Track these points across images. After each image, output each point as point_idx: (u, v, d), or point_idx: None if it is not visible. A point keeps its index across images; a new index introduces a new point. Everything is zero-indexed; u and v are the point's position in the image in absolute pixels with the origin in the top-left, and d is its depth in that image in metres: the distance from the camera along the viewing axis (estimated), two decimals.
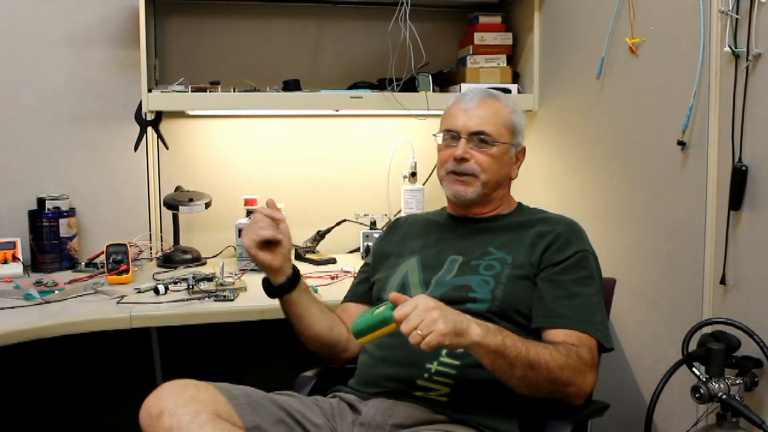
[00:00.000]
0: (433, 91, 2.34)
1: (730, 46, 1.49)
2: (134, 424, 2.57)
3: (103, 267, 2.11)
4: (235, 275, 2.06)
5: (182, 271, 2.17)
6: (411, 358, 1.44)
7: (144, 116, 2.32)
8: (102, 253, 2.11)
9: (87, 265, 2.26)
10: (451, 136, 1.62)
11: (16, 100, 2.32)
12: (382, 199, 2.52)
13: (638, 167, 1.85)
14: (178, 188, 2.39)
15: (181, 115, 2.43)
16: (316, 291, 1.93)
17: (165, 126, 2.43)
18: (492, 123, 1.61)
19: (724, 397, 1.42)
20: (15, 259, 2.19)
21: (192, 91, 2.17)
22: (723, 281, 1.55)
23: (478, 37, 2.40)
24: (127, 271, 2.03)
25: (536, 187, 2.38)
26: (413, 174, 2.46)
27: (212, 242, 2.45)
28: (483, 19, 2.43)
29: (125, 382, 2.43)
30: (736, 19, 1.48)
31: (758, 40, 1.44)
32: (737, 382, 1.45)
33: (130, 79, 2.32)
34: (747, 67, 1.47)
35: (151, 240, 2.39)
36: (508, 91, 2.35)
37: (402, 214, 1.88)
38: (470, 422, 1.40)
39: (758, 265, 1.47)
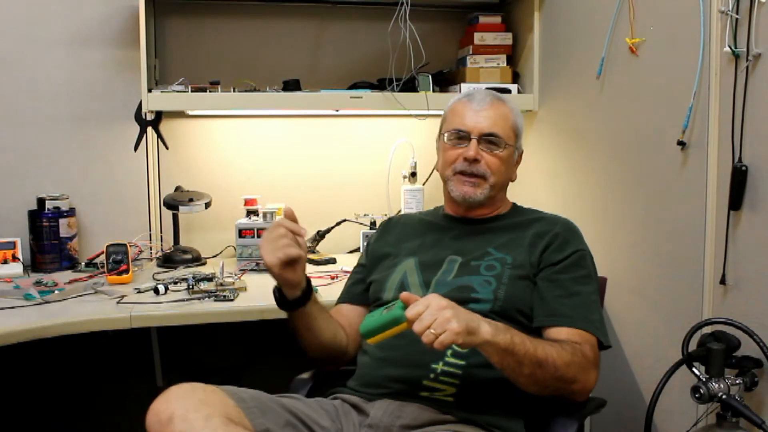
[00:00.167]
0: (433, 91, 2.34)
1: (730, 46, 1.49)
2: (134, 424, 2.56)
3: (103, 267, 2.11)
4: (235, 275, 2.06)
5: (182, 271, 2.17)
6: (416, 358, 1.44)
7: (144, 116, 2.32)
8: (102, 253, 2.11)
9: (87, 265, 2.26)
10: (461, 136, 1.62)
11: (16, 100, 2.32)
12: (382, 199, 2.52)
13: (638, 167, 1.85)
14: (178, 188, 2.40)
15: (181, 115, 2.43)
16: (316, 291, 1.93)
17: (165, 126, 2.43)
18: (501, 125, 1.62)
19: (724, 397, 1.42)
20: (15, 259, 2.19)
21: (192, 91, 2.18)
22: (723, 281, 1.55)
23: (478, 37, 2.40)
24: (127, 271, 2.04)
25: (536, 187, 2.38)
26: (413, 174, 2.46)
27: (212, 242, 2.45)
28: (483, 19, 2.43)
29: (125, 382, 2.44)
30: (736, 19, 1.48)
31: (758, 40, 1.44)
32: (737, 382, 1.44)
33: (130, 79, 2.32)
34: (747, 67, 1.47)
35: (151, 240, 2.40)
36: (508, 91, 2.35)
37: (394, 215, 1.86)
38: (478, 422, 1.41)
39: (758, 265, 1.47)
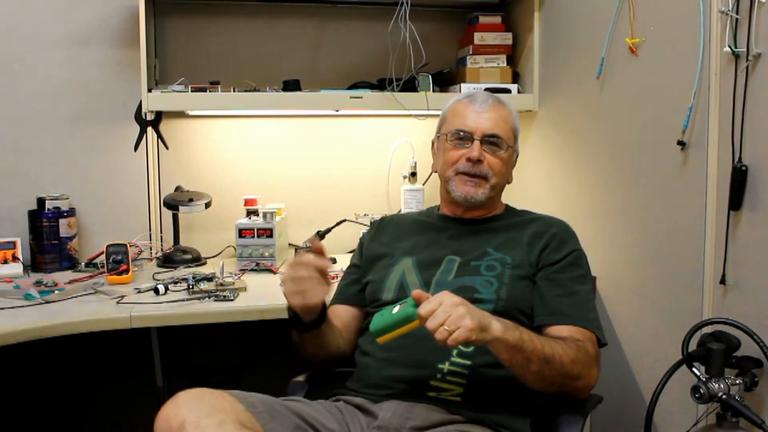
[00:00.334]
0: (433, 91, 2.34)
1: (730, 46, 1.49)
2: (134, 424, 2.57)
3: (103, 267, 2.11)
4: (235, 275, 2.06)
5: (182, 271, 2.17)
6: (422, 358, 1.44)
7: (144, 116, 2.32)
8: (102, 253, 2.11)
9: (87, 265, 2.26)
10: (464, 137, 1.63)
11: (16, 100, 2.32)
12: (382, 199, 2.52)
13: (638, 167, 1.85)
14: (178, 188, 2.40)
15: (181, 115, 2.43)
16: None
17: (165, 126, 2.43)
18: (502, 127, 1.64)
19: (724, 397, 1.42)
20: (15, 259, 2.19)
21: (192, 91, 2.18)
22: (723, 281, 1.55)
23: (478, 37, 2.40)
24: (127, 271, 2.04)
25: (536, 187, 2.38)
26: (413, 174, 2.46)
27: (212, 242, 2.45)
28: (483, 19, 2.43)
29: (125, 382, 2.44)
30: (736, 19, 1.48)
31: (758, 40, 1.44)
32: (737, 382, 1.44)
33: (130, 79, 2.32)
34: (747, 67, 1.47)
35: (151, 240, 2.40)
36: (508, 91, 2.35)
37: (387, 215, 1.86)
38: (486, 421, 1.41)
39: (758, 265, 1.47)
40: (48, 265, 2.24)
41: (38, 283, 2.02)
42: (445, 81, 2.49)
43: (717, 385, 1.43)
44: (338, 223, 2.45)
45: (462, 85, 2.34)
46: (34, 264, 2.26)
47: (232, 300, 1.85)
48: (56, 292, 1.92)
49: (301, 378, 1.63)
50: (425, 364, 1.45)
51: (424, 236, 1.67)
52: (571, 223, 1.73)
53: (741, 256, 1.52)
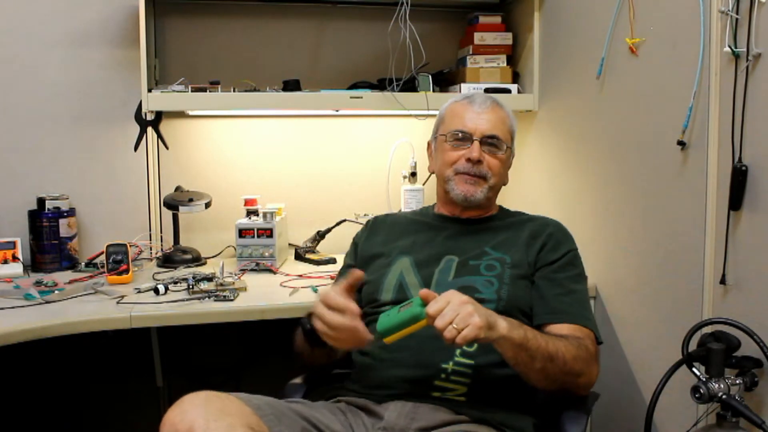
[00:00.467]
0: (433, 91, 2.34)
1: (730, 46, 1.49)
2: (134, 424, 2.58)
3: (103, 267, 2.11)
4: (235, 275, 2.06)
5: (182, 271, 2.17)
6: (426, 359, 1.45)
7: (144, 116, 2.32)
8: (102, 253, 2.11)
9: (87, 265, 2.26)
10: (463, 137, 1.63)
11: (16, 100, 2.32)
12: (382, 199, 2.52)
13: (638, 167, 1.85)
14: (178, 188, 2.40)
15: (181, 115, 2.43)
16: (315, 291, 1.93)
17: (165, 126, 2.43)
18: (501, 128, 1.66)
19: (724, 397, 1.42)
20: (15, 259, 2.19)
21: (192, 91, 2.17)
22: (723, 281, 1.55)
23: (478, 37, 2.40)
24: (127, 271, 2.03)
25: (536, 187, 2.38)
26: (413, 174, 2.46)
27: (212, 242, 2.45)
28: (483, 19, 2.43)
29: (125, 382, 2.44)
30: (736, 19, 1.48)
31: (758, 40, 1.44)
32: (737, 382, 1.44)
33: (130, 79, 2.32)
34: (747, 67, 1.47)
35: (151, 240, 2.40)
36: (508, 91, 2.35)
37: (380, 214, 1.85)
38: (491, 421, 1.41)
39: (758, 265, 1.47)
40: (48, 265, 2.24)
41: (38, 283, 2.02)
42: (445, 81, 2.49)
43: (717, 385, 1.43)
44: (338, 223, 2.45)
45: (462, 85, 2.34)
46: (34, 264, 2.26)
47: (232, 300, 1.85)
48: (56, 292, 1.92)
49: (298, 380, 1.62)
50: (429, 364, 1.45)
51: (421, 235, 1.68)
52: (571, 222, 1.74)
53: (741, 256, 1.52)
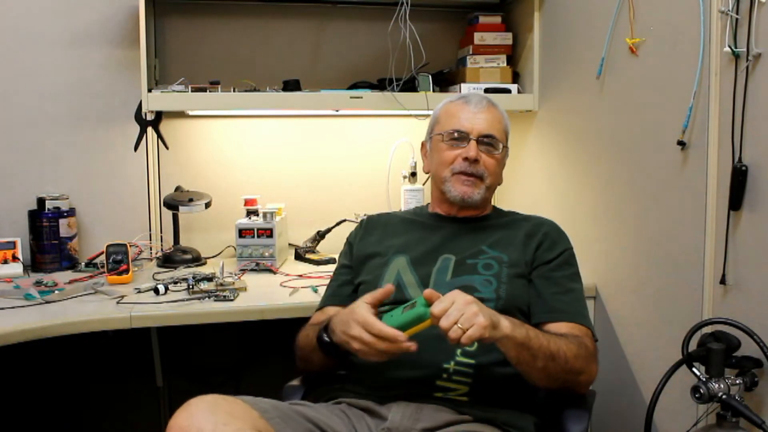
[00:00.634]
0: (433, 91, 2.34)
1: (730, 46, 1.49)
2: (134, 424, 2.58)
3: (103, 267, 2.11)
4: (235, 275, 2.06)
5: (182, 271, 2.17)
6: (427, 359, 1.44)
7: (144, 116, 2.32)
8: (102, 253, 2.11)
9: (87, 265, 2.26)
10: (460, 137, 1.63)
11: (16, 100, 2.32)
12: (382, 199, 2.52)
13: (638, 167, 1.85)
14: (178, 188, 2.40)
15: (181, 115, 2.43)
16: (315, 291, 1.93)
17: (165, 126, 2.43)
18: (497, 128, 1.67)
19: (724, 397, 1.42)
20: (15, 259, 2.19)
21: (192, 91, 2.17)
22: (723, 281, 1.55)
23: (478, 37, 2.40)
24: (127, 271, 2.04)
25: (536, 186, 2.38)
26: (413, 174, 2.46)
27: (212, 242, 2.45)
28: (483, 19, 2.43)
29: (125, 382, 2.44)
30: (736, 19, 1.48)
31: (758, 40, 1.44)
32: (737, 382, 1.44)
33: (130, 79, 2.33)
34: (747, 67, 1.47)
35: (151, 240, 2.40)
36: (508, 91, 2.35)
37: (373, 214, 1.85)
38: (494, 421, 1.42)
39: (758, 265, 1.47)
40: (48, 265, 2.24)
41: (38, 283, 2.02)
42: (445, 81, 2.49)
43: (717, 385, 1.43)
44: (338, 223, 2.45)
45: (462, 85, 2.34)
46: (34, 264, 2.26)
47: (232, 300, 1.85)
48: (56, 292, 1.92)
49: (296, 382, 1.61)
50: (431, 364, 1.45)
51: (416, 234, 1.68)
52: (571, 222, 1.74)
53: (741, 256, 1.52)
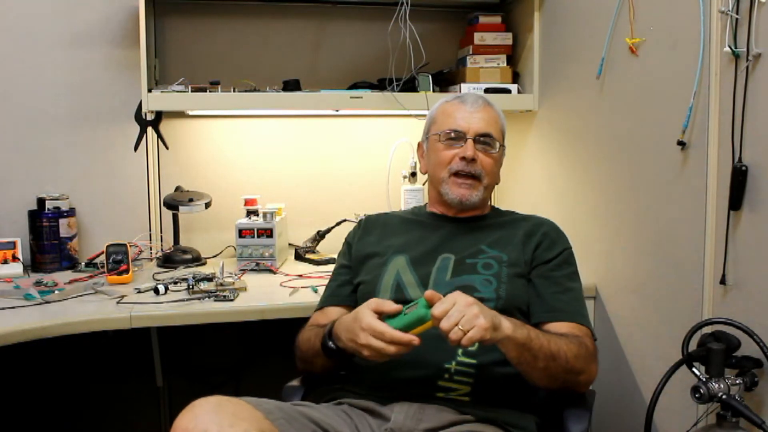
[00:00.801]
0: (433, 91, 2.34)
1: (730, 46, 1.49)
2: (134, 424, 2.58)
3: (103, 267, 2.11)
4: (235, 275, 2.06)
5: (182, 271, 2.17)
6: (429, 359, 1.45)
7: (144, 116, 2.32)
8: (102, 253, 2.11)
9: (87, 265, 2.26)
10: (457, 136, 1.63)
11: (16, 101, 2.32)
12: (382, 199, 2.52)
13: (638, 167, 1.85)
14: (178, 188, 2.40)
15: (181, 115, 2.43)
16: (315, 291, 1.93)
17: (165, 126, 2.43)
18: (493, 127, 1.67)
19: (724, 397, 1.42)
20: (15, 259, 2.19)
21: (192, 91, 2.17)
22: (723, 281, 1.55)
23: (478, 37, 2.40)
24: (127, 271, 2.04)
25: (536, 186, 2.38)
26: (413, 174, 2.46)
27: (212, 242, 2.45)
28: (483, 19, 2.43)
29: (125, 382, 2.44)
30: (736, 19, 1.48)
31: (758, 40, 1.44)
32: (737, 382, 1.44)
33: (130, 79, 2.32)
34: (747, 67, 1.47)
35: (151, 240, 2.40)
36: (508, 91, 2.35)
37: (372, 214, 1.85)
38: (496, 421, 1.42)
39: (758, 265, 1.47)
40: (48, 265, 2.24)
41: (38, 283, 2.02)
42: (445, 81, 2.49)
43: (717, 385, 1.43)
44: (338, 223, 2.45)
45: (462, 85, 2.34)
46: (34, 264, 2.26)
47: (232, 300, 1.85)
48: (56, 292, 1.92)
49: (295, 382, 1.61)
50: (432, 364, 1.45)
51: (415, 234, 1.67)
52: (571, 222, 1.74)
53: (741, 256, 1.52)
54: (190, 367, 2.48)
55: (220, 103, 2.22)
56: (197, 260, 2.32)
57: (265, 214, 2.25)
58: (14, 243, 2.21)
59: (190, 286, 1.91)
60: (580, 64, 2.09)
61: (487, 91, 2.31)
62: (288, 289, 1.97)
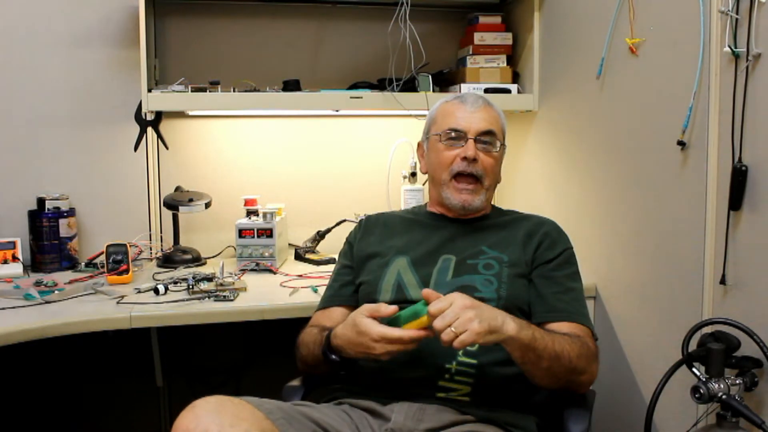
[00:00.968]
0: (433, 91, 2.34)
1: (730, 46, 1.49)
2: (134, 424, 2.58)
3: (103, 267, 2.11)
4: (235, 275, 2.06)
5: (182, 271, 2.17)
6: (429, 359, 1.45)
7: (144, 116, 2.32)
8: (102, 253, 2.11)
9: (87, 265, 2.26)
10: (457, 136, 1.63)
11: (16, 101, 2.32)
12: (382, 199, 2.52)
13: (638, 167, 1.85)
14: (178, 188, 2.40)
15: (181, 115, 2.43)
16: (315, 291, 1.93)
17: (165, 126, 2.43)
18: (495, 126, 1.66)
19: (724, 397, 1.42)
20: (15, 259, 2.19)
21: (192, 91, 2.17)
22: (723, 281, 1.55)
23: (478, 37, 2.40)
24: (127, 271, 2.04)
25: (535, 187, 2.38)
26: (413, 174, 2.46)
27: (212, 242, 2.45)
28: (483, 19, 2.43)
29: (125, 382, 2.44)
30: (736, 19, 1.48)
31: (758, 40, 1.44)
32: (737, 382, 1.44)
33: (130, 79, 2.32)
34: (747, 67, 1.47)
35: (151, 240, 2.40)
36: (508, 91, 2.35)
37: (372, 214, 1.85)
38: (496, 421, 1.42)
39: (758, 265, 1.47)
40: (48, 265, 2.24)
41: (38, 283, 2.02)
42: (445, 81, 2.49)
43: (717, 385, 1.43)
44: (338, 223, 2.45)
45: (462, 85, 2.34)
46: (34, 264, 2.26)
47: (232, 300, 1.85)
48: (56, 292, 1.92)
49: (296, 382, 1.61)
50: (432, 364, 1.45)
51: (416, 234, 1.67)
52: (571, 222, 1.74)
53: (741, 256, 1.52)
54: (190, 367, 2.48)
55: (220, 103, 2.22)
56: (197, 260, 2.32)
57: (265, 214, 2.25)
58: (14, 243, 2.21)
59: (190, 286, 1.91)
60: (580, 64, 2.09)
61: (487, 91, 2.31)
62: (288, 289, 1.97)
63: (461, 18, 2.56)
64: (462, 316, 1.24)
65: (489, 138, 1.63)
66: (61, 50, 2.34)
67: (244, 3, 2.47)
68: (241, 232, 2.23)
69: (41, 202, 2.27)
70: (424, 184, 2.48)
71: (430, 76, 2.33)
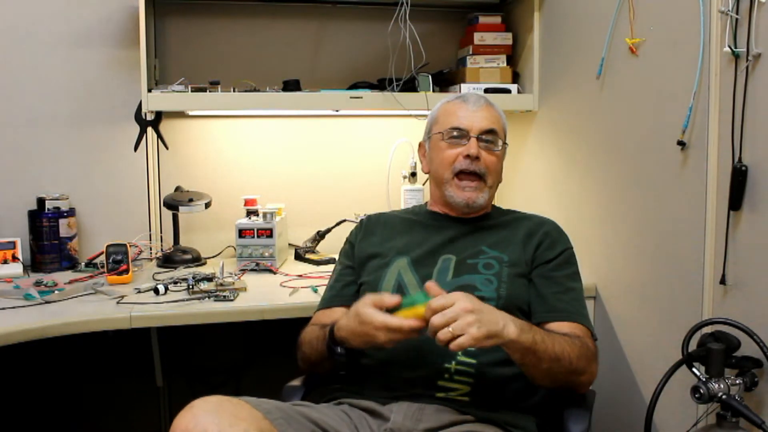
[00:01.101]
0: (433, 91, 2.34)
1: (730, 46, 1.49)
2: (134, 424, 2.58)
3: (103, 267, 2.11)
4: (235, 275, 2.06)
5: (182, 271, 2.17)
6: (429, 359, 1.45)
7: (144, 116, 2.32)
8: (102, 253, 2.11)
9: (87, 265, 2.26)
10: (460, 135, 1.63)
11: (16, 100, 2.32)
12: (382, 199, 2.52)
13: (638, 167, 1.85)
14: (178, 188, 2.40)
15: (181, 115, 2.43)
16: (315, 291, 1.93)
17: (165, 126, 2.43)
18: (496, 124, 1.67)
19: (724, 397, 1.42)
20: (15, 259, 2.20)
21: (192, 91, 2.17)
22: (723, 281, 1.55)
23: (478, 37, 2.40)
24: (127, 271, 2.04)
25: (536, 187, 2.38)
26: (413, 174, 2.46)
27: (212, 242, 2.45)
28: (483, 19, 2.43)
29: (125, 382, 2.44)
30: (736, 19, 1.48)
31: (758, 40, 1.44)
32: (737, 382, 1.44)
33: (130, 79, 2.32)
34: (747, 67, 1.47)
35: (151, 240, 2.40)
36: (508, 91, 2.35)
37: (372, 214, 1.85)
38: (496, 421, 1.42)
39: (758, 265, 1.47)
40: (48, 265, 2.24)
41: (38, 283, 2.02)
42: (445, 81, 2.49)
43: (717, 385, 1.43)
44: (338, 223, 2.45)
45: (462, 85, 2.34)
46: (34, 264, 2.26)
47: (232, 300, 1.85)
48: (56, 292, 1.92)
49: (296, 382, 1.61)
50: (432, 364, 1.45)
51: (416, 235, 1.67)
52: (571, 222, 1.74)
53: (741, 256, 1.52)
54: (190, 367, 2.48)
55: (220, 103, 2.22)
56: (197, 260, 2.32)
57: (265, 214, 2.25)
58: (14, 243, 2.21)
59: (190, 286, 1.91)
60: (580, 64, 2.09)
61: (487, 91, 2.31)
62: (288, 289, 1.97)
63: (461, 18, 2.56)
64: (462, 319, 1.24)
65: (491, 136, 1.64)
66: (61, 50, 2.34)
67: (244, 3, 2.47)
68: (241, 232, 2.23)
69: (41, 202, 2.27)
70: (424, 184, 2.48)
71: (430, 76, 2.33)
